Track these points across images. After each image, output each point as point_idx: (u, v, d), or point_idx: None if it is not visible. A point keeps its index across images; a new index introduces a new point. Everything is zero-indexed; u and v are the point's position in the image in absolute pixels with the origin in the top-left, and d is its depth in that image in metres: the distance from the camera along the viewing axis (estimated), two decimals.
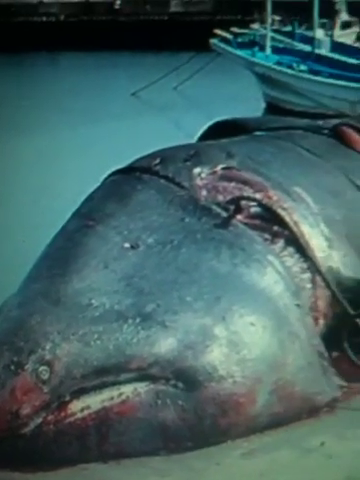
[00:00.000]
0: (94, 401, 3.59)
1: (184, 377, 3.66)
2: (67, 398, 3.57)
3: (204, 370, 3.68)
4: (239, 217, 4.24)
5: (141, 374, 3.64)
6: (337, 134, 5.36)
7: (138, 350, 3.65)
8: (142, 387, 3.63)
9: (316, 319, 4.34)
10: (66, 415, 3.56)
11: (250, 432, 3.78)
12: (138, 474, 3.56)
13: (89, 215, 4.24)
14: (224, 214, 4.19)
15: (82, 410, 3.57)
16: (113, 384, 3.61)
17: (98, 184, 4.59)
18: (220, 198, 4.32)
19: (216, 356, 3.73)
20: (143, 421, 3.63)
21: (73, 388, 3.57)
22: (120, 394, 3.61)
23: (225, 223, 4.15)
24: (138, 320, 3.69)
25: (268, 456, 3.66)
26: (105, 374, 3.60)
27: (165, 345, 3.68)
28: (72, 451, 3.60)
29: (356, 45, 29.15)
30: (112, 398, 3.60)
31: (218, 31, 27.57)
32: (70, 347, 3.61)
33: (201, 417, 3.68)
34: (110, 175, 4.62)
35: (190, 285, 3.88)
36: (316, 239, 4.47)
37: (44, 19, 43.34)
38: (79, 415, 3.57)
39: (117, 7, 45.24)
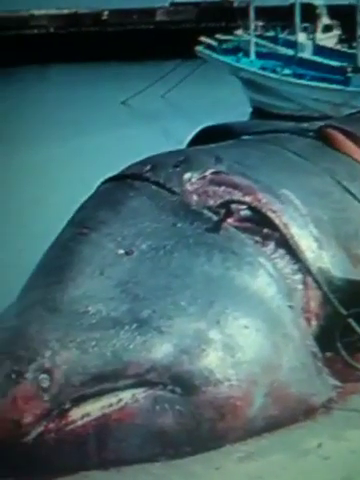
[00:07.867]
0: (94, 408, 3.56)
1: (181, 382, 3.64)
2: (67, 406, 3.55)
3: (201, 374, 3.66)
4: (229, 220, 4.25)
5: (139, 380, 3.60)
6: (322, 136, 5.38)
7: (135, 356, 3.63)
8: (140, 393, 3.61)
9: (308, 320, 4.34)
10: (67, 423, 3.54)
11: (247, 435, 3.77)
12: None
13: (83, 223, 4.26)
14: (215, 218, 4.21)
15: (82, 417, 3.55)
16: (112, 391, 3.58)
17: (91, 192, 4.60)
18: (210, 202, 4.34)
19: (212, 360, 3.71)
20: (142, 427, 3.60)
21: (73, 395, 3.55)
22: (119, 401, 3.57)
23: (216, 227, 4.16)
24: (134, 326, 3.68)
25: (265, 459, 3.64)
26: (103, 381, 3.58)
27: (161, 350, 3.66)
28: (73, 459, 3.59)
29: (337, 48, 29.11)
30: (111, 405, 3.57)
31: (203, 38, 27.59)
32: (69, 355, 3.59)
33: (199, 421, 3.66)
34: (102, 183, 4.65)
35: (184, 290, 3.87)
36: (305, 240, 4.47)
37: (35, 32, 43.33)
38: (79, 422, 3.55)
39: (104, 18, 45.20)
